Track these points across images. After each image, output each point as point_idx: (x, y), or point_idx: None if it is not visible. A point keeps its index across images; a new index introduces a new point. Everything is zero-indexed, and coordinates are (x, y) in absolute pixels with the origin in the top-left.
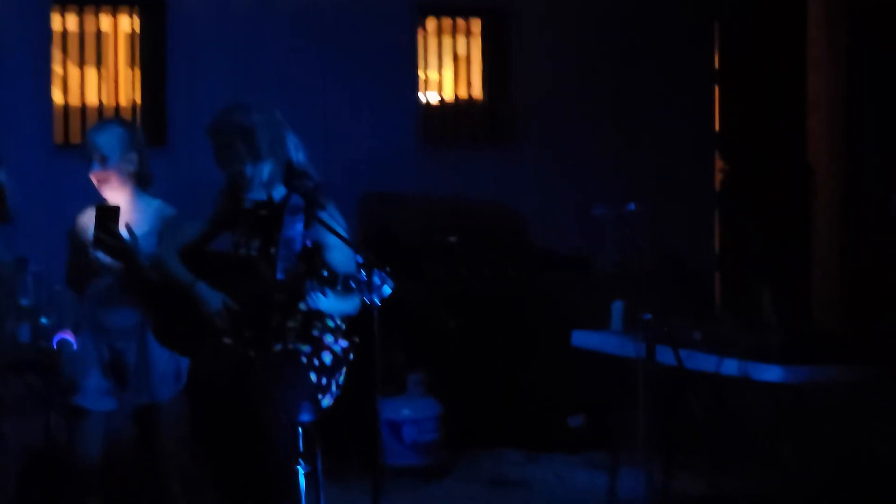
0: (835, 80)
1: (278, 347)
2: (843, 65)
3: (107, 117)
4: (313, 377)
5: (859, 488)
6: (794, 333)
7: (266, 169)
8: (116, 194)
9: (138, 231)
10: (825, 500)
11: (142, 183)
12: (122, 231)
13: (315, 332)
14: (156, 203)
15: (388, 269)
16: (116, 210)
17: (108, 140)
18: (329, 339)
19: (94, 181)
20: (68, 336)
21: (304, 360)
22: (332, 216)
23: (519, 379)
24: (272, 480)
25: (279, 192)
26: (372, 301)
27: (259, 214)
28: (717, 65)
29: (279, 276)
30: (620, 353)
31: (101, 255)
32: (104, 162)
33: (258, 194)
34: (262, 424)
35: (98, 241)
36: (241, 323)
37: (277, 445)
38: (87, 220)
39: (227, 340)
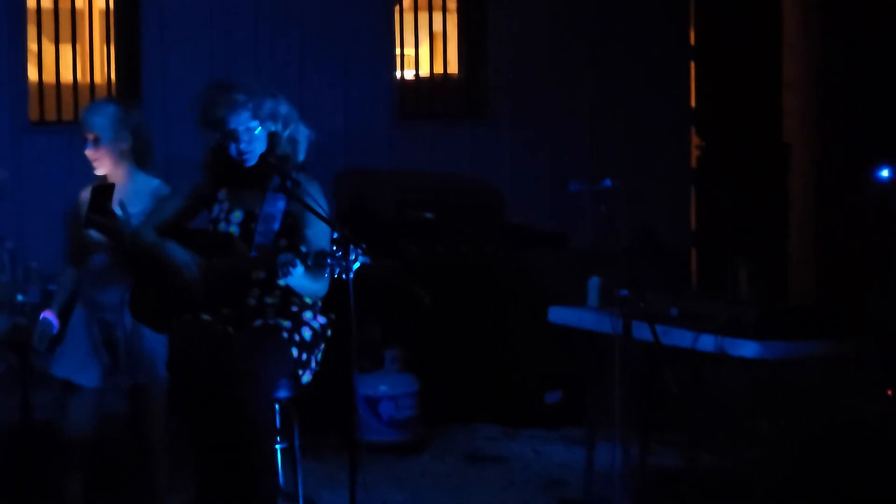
0: (810, 57)
1: (258, 323)
2: (817, 42)
3: (101, 97)
4: (294, 353)
5: (836, 463)
6: (770, 309)
7: (259, 128)
8: (111, 173)
9: (133, 210)
10: (802, 475)
11: (140, 161)
12: (117, 209)
13: (294, 309)
14: (155, 183)
15: (363, 245)
16: (110, 188)
17: (101, 120)
18: (308, 315)
19: (90, 160)
20: (50, 316)
21: (286, 335)
22: (312, 196)
23: (496, 355)
24: (252, 456)
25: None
26: (347, 276)
27: (247, 179)
28: (692, 41)
29: (252, 252)
30: (597, 329)
31: (94, 233)
32: (97, 142)
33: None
34: (243, 400)
35: (89, 220)
36: (219, 300)
37: (258, 421)
38: (86, 196)
39: (205, 317)
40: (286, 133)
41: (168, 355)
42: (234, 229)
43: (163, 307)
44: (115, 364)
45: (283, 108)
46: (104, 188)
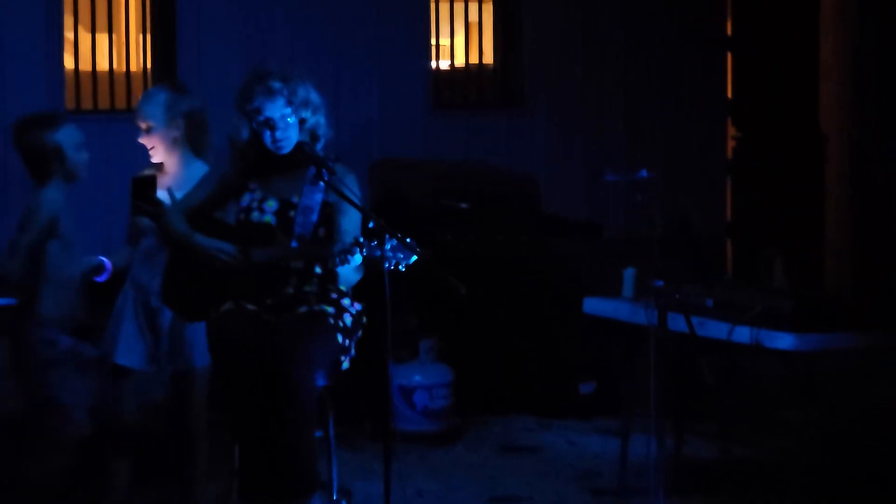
0: (846, 47)
1: (303, 310)
2: (854, 31)
3: (157, 83)
4: (339, 338)
5: (868, 454)
6: (806, 300)
7: (292, 116)
8: (166, 160)
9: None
10: (835, 466)
11: (195, 148)
12: (164, 196)
13: (333, 296)
14: (207, 170)
15: (399, 234)
16: (152, 179)
17: (152, 107)
18: (346, 301)
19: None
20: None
21: (331, 321)
22: (349, 186)
23: (530, 345)
24: (297, 442)
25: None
26: (390, 267)
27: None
28: (729, 31)
29: (293, 243)
30: (632, 320)
31: (145, 220)
32: (149, 130)
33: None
34: (297, 385)
35: (136, 208)
36: (261, 289)
37: (307, 407)
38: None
39: (250, 307)
40: (312, 122)
41: (212, 344)
42: (269, 218)
43: (194, 296)
44: (157, 349)
45: (314, 97)
46: (144, 179)
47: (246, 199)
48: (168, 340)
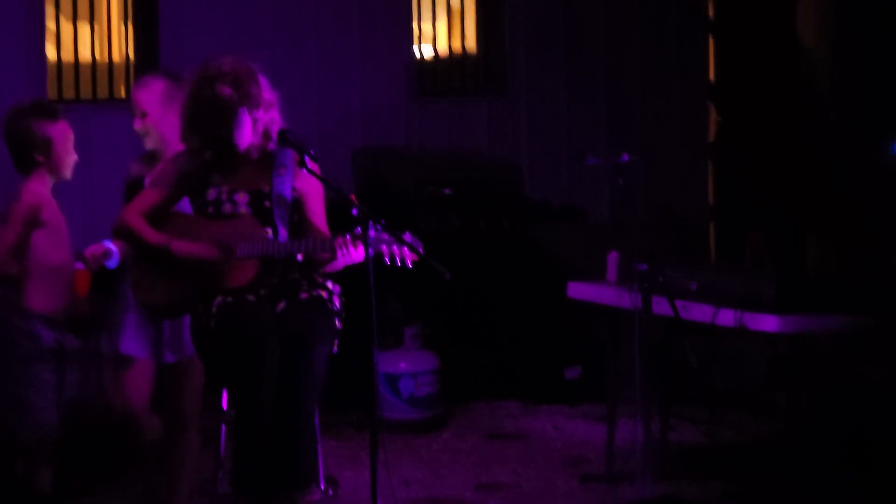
0: (827, 28)
1: (304, 296)
2: (834, 14)
3: (148, 71)
4: (337, 323)
5: (855, 436)
6: (789, 282)
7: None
8: (160, 149)
9: None
10: (821, 448)
11: None
12: None
13: (319, 279)
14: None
15: (382, 221)
16: (140, 181)
17: (149, 94)
18: (330, 285)
19: (140, 135)
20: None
21: (329, 306)
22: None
23: (515, 331)
24: (304, 431)
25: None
26: (405, 265)
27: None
28: (711, 14)
29: (283, 235)
30: (616, 305)
31: None
32: (145, 116)
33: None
34: (311, 371)
35: None
36: (258, 282)
37: (317, 394)
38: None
39: (249, 298)
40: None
41: (222, 336)
42: (243, 210)
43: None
44: (159, 338)
45: (267, 94)
46: (139, 182)
47: (213, 193)
48: (170, 329)
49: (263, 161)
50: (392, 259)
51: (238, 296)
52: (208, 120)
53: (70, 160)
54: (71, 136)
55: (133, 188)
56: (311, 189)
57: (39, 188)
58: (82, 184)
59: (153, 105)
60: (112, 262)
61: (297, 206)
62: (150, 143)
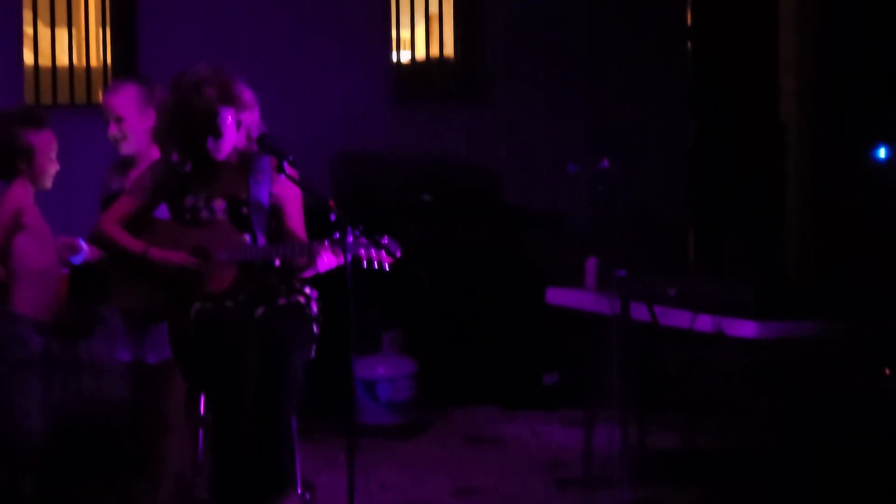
0: (807, 36)
1: (282, 302)
2: (813, 21)
3: (121, 76)
4: (315, 328)
5: (833, 442)
6: (768, 289)
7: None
8: (138, 153)
9: None
10: (799, 454)
11: None
12: None
13: (297, 285)
14: None
15: (361, 227)
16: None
17: (123, 98)
18: (308, 290)
19: (113, 141)
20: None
21: (307, 312)
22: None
23: (493, 336)
24: (283, 435)
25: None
26: (382, 269)
27: (228, 171)
28: (689, 21)
29: (261, 241)
30: (595, 310)
31: None
32: (119, 121)
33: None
34: (288, 377)
35: None
36: (236, 288)
37: (294, 399)
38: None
39: (228, 304)
40: (248, 121)
41: (200, 341)
42: (220, 217)
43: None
44: (142, 340)
45: (248, 96)
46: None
47: (190, 201)
48: (152, 332)
49: (241, 167)
50: (370, 262)
51: (216, 301)
52: (194, 126)
53: (52, 170)
54: (55, 146)
55: (110, 202)
56: (289, 195)
57: (21, 193)
58: (60, 189)
59: (129, 109)
60: (77, 259)
61: (274, 213)
62: (126, 149)
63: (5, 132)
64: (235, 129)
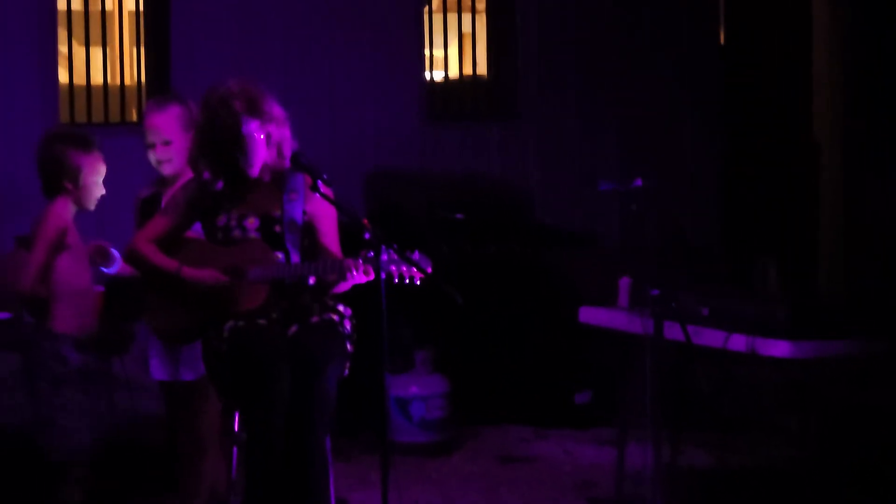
0: (839, 56)
1: (315, 320)
2: (847, 41)
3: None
4: (348, 346)
5: (866, 462)
6: (801, 308)
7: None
8: (181, 172)
9: None
10: (834, 473)
11: None
12: None
13: (330, 302)
14: None
15: (395, 246)
16: (158, 196)
17: (168, 119)
18: (341, 307)
19: (156, 162)
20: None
21: (340, 329)
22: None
23: (526, 355)
24: (317, 453)
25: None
26: (403, 282)
27: (261, 188)
28: (722, 40)
29: (295, 259)
30: (628, 330)
31: None
32: (167, 143)
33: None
34: (323, 394)
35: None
36: (269, 306)
37: (329, 417)
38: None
39: (261, 321)
40: (278, 135)
41: (235, 360)
42: (253, 235)
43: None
44: (176, 358)
45: (278, 111)
46: (151, 199)
47: (223, 220)
48: (186, 350)
49: (275, 185)
50: (401, 278)
51: (249, 320)
52: (222, 141)
53: (96, 192)
54: (102, 170)
55: (147, 204)
56: (323, 213)
57: (64, 212)
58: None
59: (176, 131)
60: (110, 268)
61: (308, 230)
62: (168, 170)
63: (54, 150)
64: (265, 143)
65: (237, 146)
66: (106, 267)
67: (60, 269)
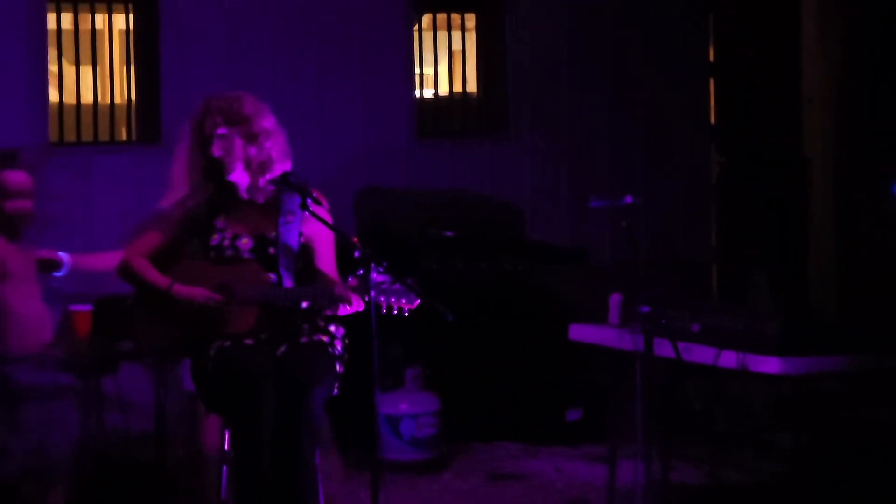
0: (829, 71)
1: (304, 340)
2: (837, 56)
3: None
4: (338, 367)
5: (859, 478)
6: (792, 324)
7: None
8: None
9: None
10: (826, 490)
11: None
12: None
13: (321, 323)
14: None
15: (384, 264)
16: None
17: None
18: (332, 328)
19: None
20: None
21: (330, 350)
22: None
23: (516, 372)
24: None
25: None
26: (393, 312)
27: (255, 210)
28: (712, 57)
29: (287, 282)
30: (618, 347)
31: None
32: None
33: (250, 192)
34: (310, 415)
35: None
36: (260, 327)
37: (317, 436)
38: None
39: (247, 342)
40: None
41: (221, 378)
42: (245, 256)
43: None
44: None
45: (267, 123)
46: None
47: (216, 239)
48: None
49: (270, 206)
50: (389, 309)
51: (236, 340)
52: (205, 151)
53: (18, 207)
54: (22, 183)
55: None
56: (320, 234)
57: None
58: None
59: None
60: (60, 273)
61: (303, 253)
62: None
63: None
64: (241, 147)
65: (218, 153)
66: (57, 272)
67: (4, 299)
